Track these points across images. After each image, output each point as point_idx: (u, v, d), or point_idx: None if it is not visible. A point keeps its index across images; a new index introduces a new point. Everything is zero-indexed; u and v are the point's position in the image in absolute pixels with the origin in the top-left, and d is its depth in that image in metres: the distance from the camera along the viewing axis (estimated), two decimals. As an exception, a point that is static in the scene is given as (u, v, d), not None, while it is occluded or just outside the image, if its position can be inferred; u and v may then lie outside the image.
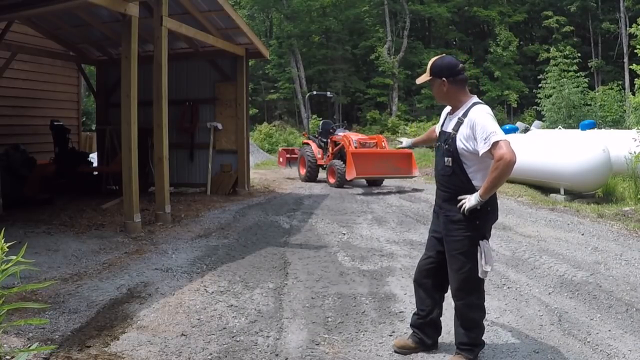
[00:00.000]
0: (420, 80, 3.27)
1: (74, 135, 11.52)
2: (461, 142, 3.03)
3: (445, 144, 3.11)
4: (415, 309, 3.41)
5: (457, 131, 3.05)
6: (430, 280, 3.31)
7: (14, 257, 2.13)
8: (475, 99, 3.15)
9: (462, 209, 3.01)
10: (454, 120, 3.11)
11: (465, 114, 3.06)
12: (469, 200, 2.99)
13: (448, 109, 3.31)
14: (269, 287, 4.60)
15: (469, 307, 3.13)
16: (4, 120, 9.97)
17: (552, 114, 21.87)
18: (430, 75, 3.16)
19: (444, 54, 3.32)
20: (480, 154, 2.95)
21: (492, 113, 3.06)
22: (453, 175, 3.08)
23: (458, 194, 3.05)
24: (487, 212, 3.07)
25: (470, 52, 33.78)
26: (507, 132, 14.23)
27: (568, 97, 21.52)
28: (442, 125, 3.25)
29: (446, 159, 3.09)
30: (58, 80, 11.67)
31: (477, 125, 2.96)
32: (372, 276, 4.98)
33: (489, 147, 2.89)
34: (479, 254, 3.04)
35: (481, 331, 3.20)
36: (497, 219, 3.21)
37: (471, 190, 3.03)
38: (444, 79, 3.10)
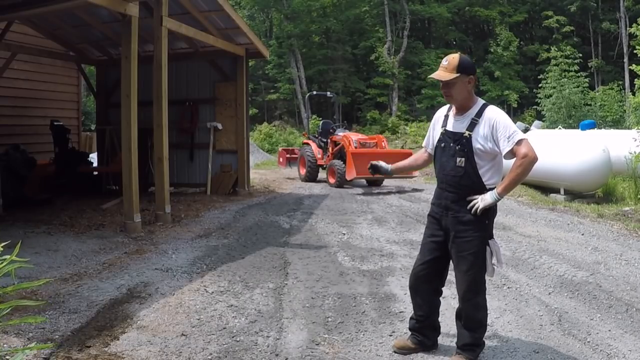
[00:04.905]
0: (442, 77, 3.05)
1: (74, 135, 11.53)
2: (478, 142, 3.02)
3: (458, 144, 3.08)
4: (413, 314, 3.39)
5: (472, 131, 3.04)
6: (427, 286, 3.29)
7: (8, 256, 2.12)
8: (481, 100, 3.18)
9: (474, 209, 3.00)
10: (466, 121, 3.09)
11: (478, 115, 3.06)
12: (484, 200, 2.99)
13: (444, 110, 3.29)
14: (269, 287, 4.60)
15: (476, 307, 3.13)
16: (4, 120, 9.97)
17: (552, 114, 21.85)
18: (457, 73, 3.01)
19: (459, 53, 3.21)
20: (503, 153, 2.99)
21: None
22: (465, 176, 3.06)
23: (468, 194, 3.05)
24: (494, 211, 3.11)
25: (470, 52, 33.71)
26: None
27: (568, 97, 21.51)
28: (445, 126, 3.20)
29: (458, 159, 3.06)
30: (58, 80, 11.68)
31: (499, 124, 2.99)
32: (372, 276, 4.98)
33: (512, 146, 2.94)
34: (488, 253, 3.06)
35: (484, 331, 3.21)
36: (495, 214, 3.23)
37: (481, 189, 3.03)
38: (472, 76, 3.08)
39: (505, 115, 3.07)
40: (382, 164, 3.65)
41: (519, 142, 2.93)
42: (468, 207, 3.03)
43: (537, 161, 2.97)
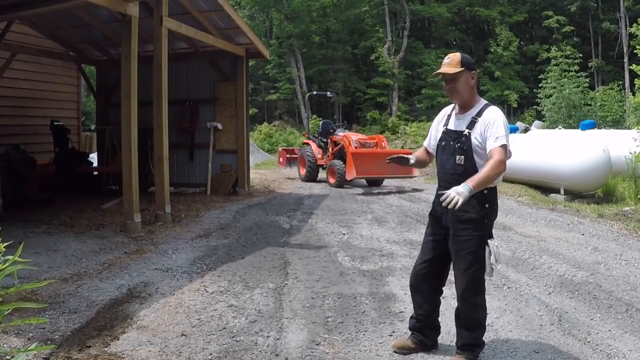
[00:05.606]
0: (448, 70, 3.12)
1: (74, 135, 11.52)
2: (476, 140, 3.07)
3: (457, 142, 3.12)
4: (413, 313, 3.40)
5: (472, 129, 3.09)
6: (427, 284, 3.30)
7: (11, 257, 2.12)
8: (484, 100, 3.22)
9: (453, 203, 2.81)
10: (467, 120, 3.14)
11: (479, 114, 3.11)
12: (461, 195, 2.82)
13: (448, 109, 3.32)
14: (269, 287, 4.60)
15: (475, 307, 3.13)
16: (4, 120, 9.97)
17: (552, 114, 21.85)
18: (461, 67, 3.09)
19: (457, 52, 3.28)
20: (487, 150, 3.03)
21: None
22: (464, 174, 3.07)
23: None
24: (493, 210, 3.13)
25: (471, 52, 33.63)
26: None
27: (568, 97, 21.50)
28: (446, 125, 3.24)
29: (458, 157, 3.11)
30: (58, 80, 11.67)
31: (493, 124, 3.04)
32: (372, 276, 4.98)
33: (495, 146, 2.99)
34: (487, 253, 3.07)
35: (483, 331, 3.21)
36: (496, 216, 3.25)
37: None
38: (474, 72, 3.16)
39: (503, 119, 3.09)
40: (404, 155, 3.58)
41: (502, 147, 2.99)
42: (444, 203, 2.87)
43: (505, 171, 3.02)
